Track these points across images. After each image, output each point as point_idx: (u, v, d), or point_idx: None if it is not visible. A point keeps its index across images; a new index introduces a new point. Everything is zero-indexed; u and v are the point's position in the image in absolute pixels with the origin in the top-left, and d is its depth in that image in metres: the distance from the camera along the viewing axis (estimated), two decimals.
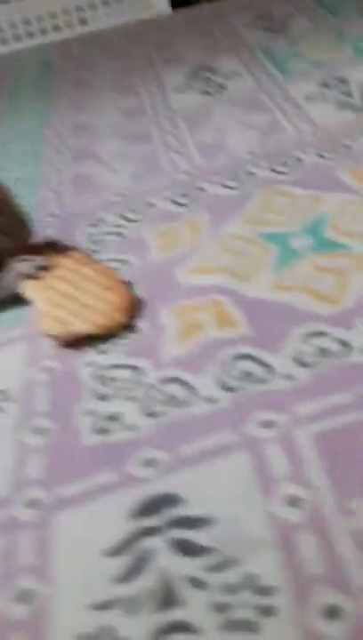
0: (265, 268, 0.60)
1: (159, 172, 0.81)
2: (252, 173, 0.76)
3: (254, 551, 0.37)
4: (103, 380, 0.51)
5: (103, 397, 0.50)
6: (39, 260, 0.59)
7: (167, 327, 0.55)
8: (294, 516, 0.38)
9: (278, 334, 0.52)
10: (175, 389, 0.49)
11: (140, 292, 0.60)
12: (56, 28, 1.60)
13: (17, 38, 1.59)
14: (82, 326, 0.53)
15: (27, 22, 1.60)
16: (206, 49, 1.18)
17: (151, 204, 0.74)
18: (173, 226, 0.69)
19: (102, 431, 0.47)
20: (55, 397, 0.51)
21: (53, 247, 0.64)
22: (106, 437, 0.46)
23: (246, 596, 0.35)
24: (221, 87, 1.01)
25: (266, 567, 0.36)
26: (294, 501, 0.39)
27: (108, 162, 0.87)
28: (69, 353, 0.55)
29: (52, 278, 0.58)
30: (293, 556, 0.36)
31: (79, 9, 1.62)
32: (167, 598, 0.35)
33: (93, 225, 0.73)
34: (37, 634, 0.35)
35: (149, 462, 0.44)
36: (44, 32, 1.60)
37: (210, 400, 0.47)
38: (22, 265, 0.58)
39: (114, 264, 0.65)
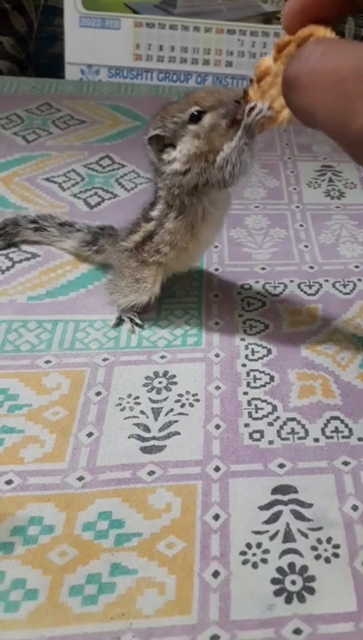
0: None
1: (291, 258, 1.16)
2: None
3: None
4: (252, 405, 0.88)
5: (254, 418, 0.86)
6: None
7: (294, 385, 0.91)
8: None
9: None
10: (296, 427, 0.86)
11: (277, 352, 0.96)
12: (206, 63, 1.94)
13: (172, 60, 1.93)
14: None
15: (184, 50, 1.94)
16: (335, 148, 1.52)
17: (285, 285, 1.10)
18: (302, 309, 1.05)
19: (254, 439, 0.83)
20: (224, 406, 0.87)
21: None
22: (255, 443, 0.83)
23: None
24: (341, 195, 1.36)
25: None
26: None
27: (255, 236, 1.22)
28: (233, 380, 0.91)
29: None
30: None
31: (229, 53, 1.96)
32: None
33: (243, 287, 1.09)
34: None
35: (281, 465, 0.81)
36: (194, 62, 1.94)
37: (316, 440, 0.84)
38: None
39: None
